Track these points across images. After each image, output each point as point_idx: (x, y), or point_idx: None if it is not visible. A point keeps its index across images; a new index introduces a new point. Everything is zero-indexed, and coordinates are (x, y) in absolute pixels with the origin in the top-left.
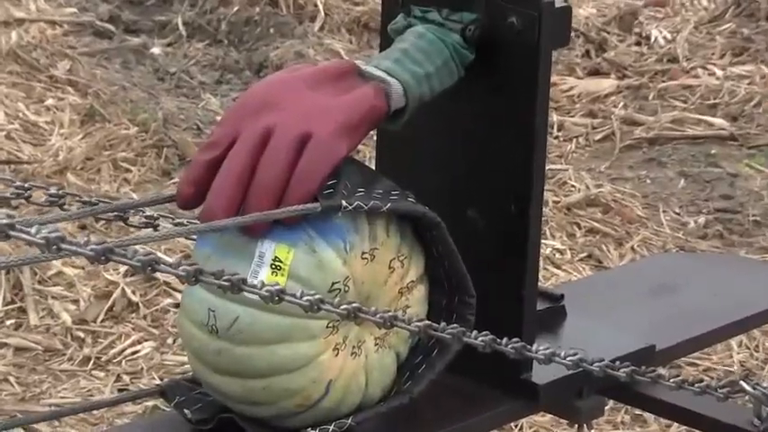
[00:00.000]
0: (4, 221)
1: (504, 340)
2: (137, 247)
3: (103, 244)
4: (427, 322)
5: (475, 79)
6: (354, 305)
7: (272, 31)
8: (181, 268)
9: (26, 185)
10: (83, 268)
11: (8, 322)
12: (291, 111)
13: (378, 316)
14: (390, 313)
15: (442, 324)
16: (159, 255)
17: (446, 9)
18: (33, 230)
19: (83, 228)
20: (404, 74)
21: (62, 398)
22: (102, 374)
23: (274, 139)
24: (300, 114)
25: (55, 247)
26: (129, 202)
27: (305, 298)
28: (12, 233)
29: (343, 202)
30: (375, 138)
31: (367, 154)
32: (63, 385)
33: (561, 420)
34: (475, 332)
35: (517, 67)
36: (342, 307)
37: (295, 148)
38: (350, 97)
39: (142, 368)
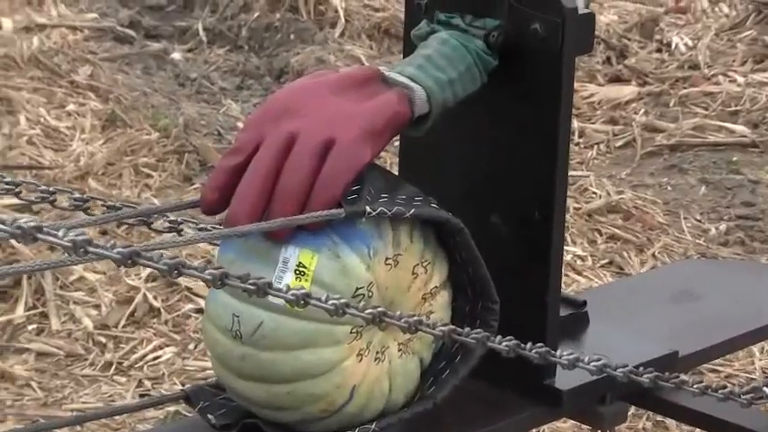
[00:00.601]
0: (32, 224)
1: (529, 345)
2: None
3: (130, 247)
4: (452, 327)
5: (498, 86)
6: (380, 309)
7: (292, 37)
8: (207, 272)
9: (51, 189)
10: (104, 273)
11: (30, 327)
12: (315, 117)
13: (403, 320)
14: (415, 318)
15: (466, 329)
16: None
17: (469, 15)
18: (60, 233)
19: (104, 233)
20: (427, 80)
21: (84, 403)
22: (123, 380)
23: (298, 144)
24: (324, 120)
25: (82, 249)
26: (153, 207)
27: (330, 302)
28: (39, 236)
29: (367, 208)
30: (396, 144)
31: (388, 161)
32: (85, 390)
33: (583, 426)
34: (499, 337)
35: (540, 73)
36: (367, 311)
37: (319, 153)
38: (373, 103)
39: (163, 373)
